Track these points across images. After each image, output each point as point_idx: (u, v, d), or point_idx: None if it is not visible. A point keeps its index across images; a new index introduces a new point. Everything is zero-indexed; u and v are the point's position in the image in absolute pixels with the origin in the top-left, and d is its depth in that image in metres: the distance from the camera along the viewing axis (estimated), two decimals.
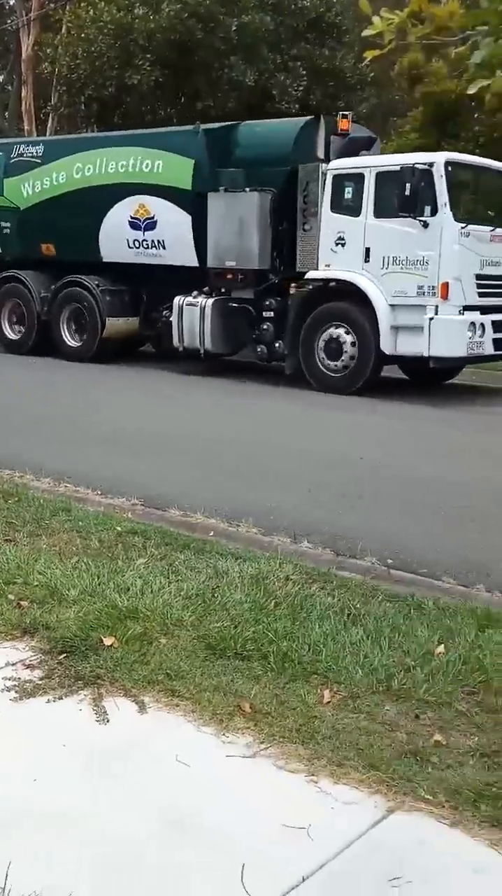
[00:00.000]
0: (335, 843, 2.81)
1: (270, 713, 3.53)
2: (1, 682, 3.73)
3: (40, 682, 3.74)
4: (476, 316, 11.62)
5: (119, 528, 5.72)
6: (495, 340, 11.89)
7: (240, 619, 4.31)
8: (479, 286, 11.75)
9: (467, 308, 11.54)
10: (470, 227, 11.57)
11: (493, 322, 11.83)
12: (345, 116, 13.11)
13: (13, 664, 3.89)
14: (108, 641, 4.04)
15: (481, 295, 11.79)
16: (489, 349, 11.88)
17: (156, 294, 14.40)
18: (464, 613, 4.44)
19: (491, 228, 12.13)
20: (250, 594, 4.62)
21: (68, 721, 3.47)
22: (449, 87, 18.13)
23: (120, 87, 19.05)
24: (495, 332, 11.85)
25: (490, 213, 12.58)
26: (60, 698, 3.65)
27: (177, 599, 4.52)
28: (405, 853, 2.78)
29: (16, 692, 3.67)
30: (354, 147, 13.03)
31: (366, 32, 2.91)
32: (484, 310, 11.80)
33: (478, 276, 11.75)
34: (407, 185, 11.03)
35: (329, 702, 3.62)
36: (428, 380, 13.48)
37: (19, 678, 3.77)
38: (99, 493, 6.77)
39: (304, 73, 18.95)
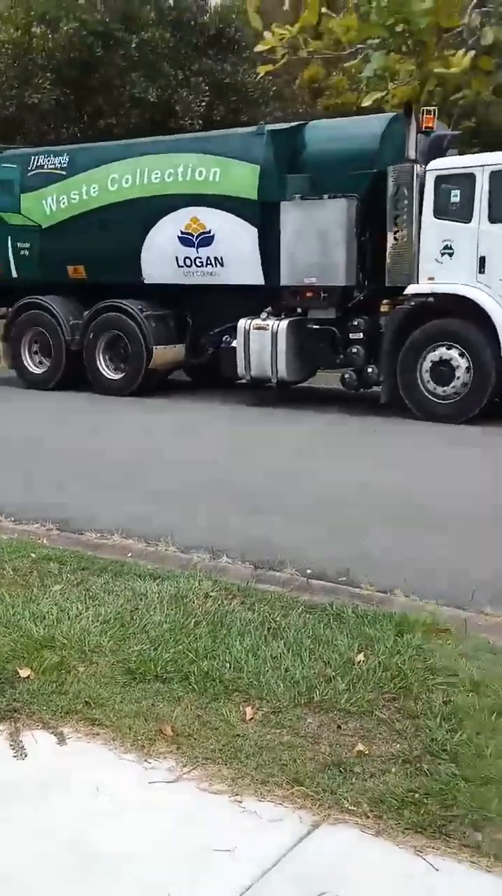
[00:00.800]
0: (261, 863, 2.78)
1: (192, 735, 3.49)
2: None
3: None
4: None
5: (34, 555, 5.59)
6: None
7: (160, 640, 4.26)
8: None
9: None
10: None
11: None
12: (429, 112, 11.21)
13: None
14: (24, 673, 3.94)
15: None
16: None
17: (204, 317, 12.97)
18: (383, 619, 4.47)
19: None
20: (169, 615, 4.58)
21: None
22: (350, 100, 18.40)
23: (20, 106, 18.78)
24: None
25: None
26: None
27: (95, 625, 4.44)
28: (331, 867, 2.77)
29: None
30: (440, 145, 11.49)
31: (259, 48, 2.93)
32: None
33: None
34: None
35: (252, 718, 3.59)
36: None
37: None
38: (12, 519, 6.61)
39: (207, 88, 18.99)
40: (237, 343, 12.09)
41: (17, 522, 6.53)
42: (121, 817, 3.02)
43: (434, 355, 10.82)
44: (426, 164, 10.94)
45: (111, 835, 2.91)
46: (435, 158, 11.08)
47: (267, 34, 2.86)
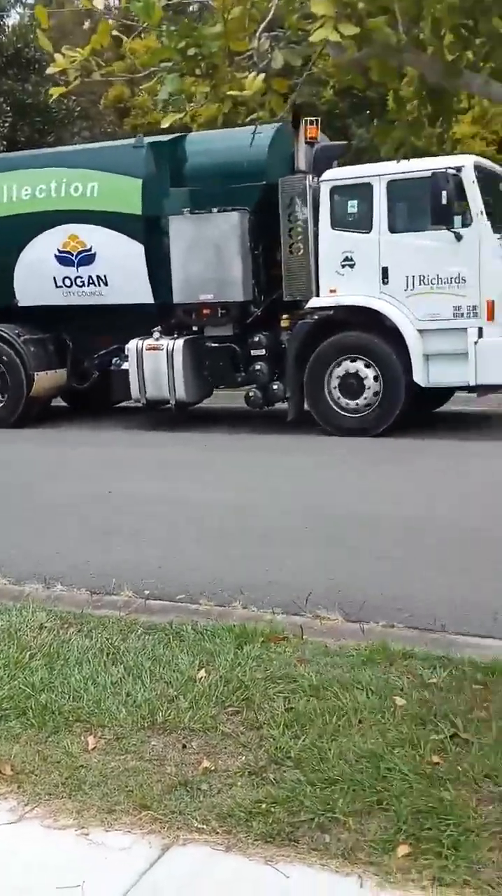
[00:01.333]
0: (111, 894, 2.72)
1: (34, 771, 3.38)
2: None
3: None
4: None
5: None
6: None
7: None
8: None
9: None
10: (500, 236, 10.27)
11: None
12: (313, 123, 11.21)
13: None
14: None
15: None
16: None
17: (87, 339, 12.43)
18: (222, 633, 4.49)
19: None
20: (2, 650, 4.43)
21: None
22: (157, 118, 18.54)
23: None
24: None
25: None
26: None
27: None
28: (183, 888, 2.74)
29: None
30: (328, 156, 11.42)
31: (50, 70, 2.89)
32: None
33: None
34: (442, 193, 9.56)
35: (94, 748, 3.52)
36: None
37: None
38: None
39: (9, 109, 18.64)
40: (129, 365, 11.67)
41: None
42: None
43: (341, 369, 10.70)
44: (315, 175, 10.88)
45: None
46: (323, 170, 11.01)
47: (58, 56, 2.83)
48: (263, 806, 3.07)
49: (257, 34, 2.87)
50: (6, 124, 18.35)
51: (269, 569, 5.78)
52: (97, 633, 4.65)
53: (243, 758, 3.40)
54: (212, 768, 3.33)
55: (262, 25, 2.88)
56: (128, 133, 17.51)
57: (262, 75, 2.80)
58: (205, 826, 3.00)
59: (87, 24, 3.33)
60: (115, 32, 2.86)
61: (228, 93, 2.87)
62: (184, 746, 3.50)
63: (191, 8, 3.04)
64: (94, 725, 3.68)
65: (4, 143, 17.98)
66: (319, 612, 4.92)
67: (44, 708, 3.80)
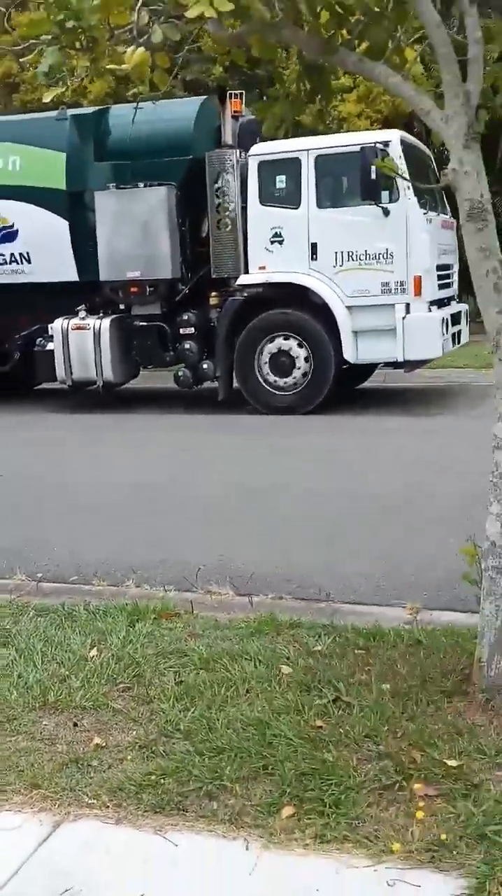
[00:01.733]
0: (2, 873, 2.66)
1: None
2: None
3: None
4: (444, 312, 10.52)
5: None
6: (452, 336, 10.82)
7: None
8: (439, 278, 10.61)
9: (432, 304, 10.36)
10: (427, 213, 10.34)
11: (451, 316, 10.78)
12: (236, 96, 10.91)
13: None
14: None
15: (439, 287, 10.66)
16: (448, 346, 10.69)
17: (7, 319, 11.92)
18: (115, 612, 4.48)
19: (442, 214, 11.06)
20: None
21: None
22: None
23: None
24: (452, 326, 10.76)
25: (434, 196, 11.07)
26: None
27: None
28: (74, 863, 2.73)
29: None
30: (254, 130, 10.83)
31: None
32: (439, 303, 10.72)
33: (438, 268, 10.58)
34: (370, 168, 9.20)
35: None
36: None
37: None
38: None
39: None
40: (54, 345, 11.30)
41: None
42: None
43: (271, 346, 10.57)
44: (242, 150, 10.70)
45: None
46: (249, 144, 10.79)
47: None
48: (153, 778, 3.09)
49: (136, 8, 2.82)
50: None
51: (163, 547, 5.74)
52: None
53: (134, 732, 3.40)
54: (103, 744, 3.32)
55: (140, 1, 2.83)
56: (19, 110, 16.95)
57: (141, 49, 2.74)
58: (95, 801, 3.00)
59: None
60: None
61: (108, 67, 2.81)
62: (75, 725, 3.47)
63: None
64: None
65: None
66: (210, 588, 4.92)
67: None
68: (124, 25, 2.83)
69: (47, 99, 3.04)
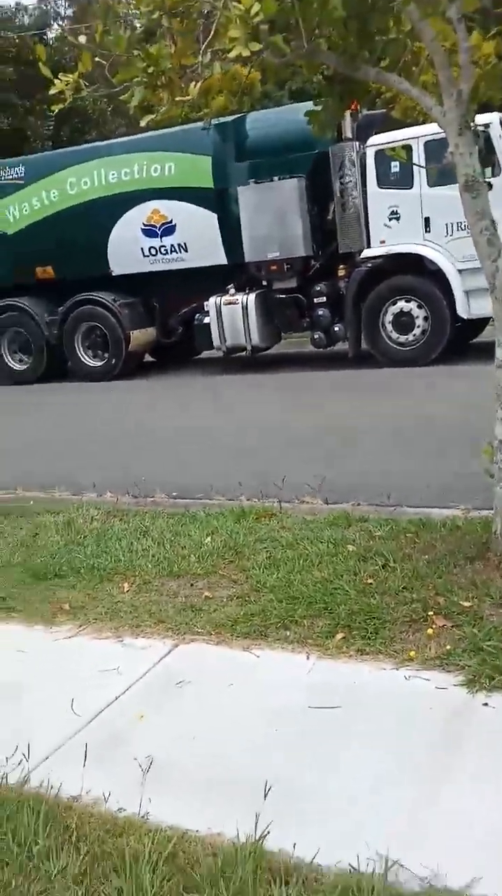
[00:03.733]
0: (138, 672, 3.48)
1: (84, 607, 4.13)
2: None
3: None
4: None
5: None
6: None
7: (57, 552, 4.84)
8: None
9: None
10: None
11: None
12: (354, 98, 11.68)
13: None
14: None
15: None
16: None
17: (171, 300, 12.98)
18: (226, 514, 5.17)
19: None
20: (64, 535, 5.17)
21: None
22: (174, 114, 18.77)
23: None
24: None
25: None
26: None
27: (5, 550, 4.98)
28: (185, 667, 3.49)
29: None
30: (371, 123, 11.43)
31: (51, 91, 3.47)
32: None
33: None
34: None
35: (128, 590, 4.26)
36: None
37: None
38: None
39: (52, 113, 19.11)
40: (210, 318, 12.18)
41: None
42: (39, 662, 3.62)
43: (394, 308, 10.98)
44: (359, 142, 11.13)
45: (35, 669, 3.52)
46: (365, 137, 11.20)
47: (56, 81, 3.41)
48: (244, 615, 3.79)
49: (201, 52, 3.41)
50: (50, 127, 18.78)
51: (274, 471, 6.21)
52: (133, 520, 5.32)
53: (234, 589, 4.12)
54: (211, 596, 4.06)
55: (205, 44, 3.42)
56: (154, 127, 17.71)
57: (198, 84, 3.35)
58: (202, 630, 3.74)
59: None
60: (97, 59, 3.42)
61: (176, 98, 3.42)
62: (191, 585, 4.23)
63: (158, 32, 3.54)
64: (128, 576, 4.42)
65: (50, 142, 18.43)
66: (305, 499, 5.48)
67: (92, 567, 4.56)
68: (192, 65, 3.43)
69: (143, 124, 3.69)
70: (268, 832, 2.42)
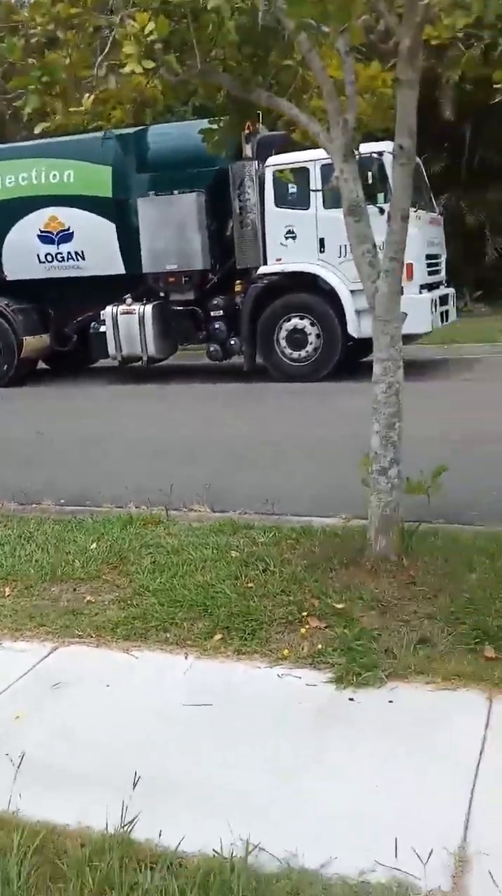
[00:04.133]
0: (14, 674, 3.48)
1: None
2: None
3: None
4: (433, 294, 11.21)
5: None
6: (440, 314, 11.49)
7: None
8: (428, 265, 11.25)
9: (422, 287, 10.95)
10: (418, 211, 10.53)
11: (440, 297, 11.50)
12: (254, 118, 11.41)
13: None
14: None
15: (429, 273, 11.33)
16: (438, 323, 11.39)
17: (66, 308, 12.98)
18: (113, 521, 5.22)
19: (430, 213, 11.69)
20: None
21: None
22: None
23: None
24: (440, 306, 11.47)
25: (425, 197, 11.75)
26: None
27: None
28: (64, 669, 3.54)
29: None
30: (271, 143, 11.60)
31: None
32: (429, 287, 11.35)
33: (428, 257, 11.22)
34: (368, 174, 9.46)
35: (9, 594, 4.25)
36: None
37: None
38: None
39: None
40: (106, 327, 12.24)
41: None
42: None
43: (288, 325, 11.27)
44: (259, 161, 11.39)
45: None
46: (264, 156, 11.46)
47: None
48: (126, 619, 3.86)
49: (97, 63, 3.51)
50: None
51: (161, 479, 6.31)
52: (18, 525, 5.30)
53: (116, 594, 4.19)
54: (93, 601, 4.12)
55: (100, 58, 3.52)
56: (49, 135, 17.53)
57: (92, 96, 3.45)
58: (83, 633, 3.80)
59: None
60: None
61: (70, 108, 3.51)
62: (74, 590, 4.28)
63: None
64: (9, 581, 4.41)
65: None
66: (193, 507, 5.59)
67: None
68: (87, 77, 3.53)
69: (37, 131, 3.76)
70: (137, 821, 2.50)
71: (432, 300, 11.08)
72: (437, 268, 11.90)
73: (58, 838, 2.51)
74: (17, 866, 2.37)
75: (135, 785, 2.63)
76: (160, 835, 2.45)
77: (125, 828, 2.48)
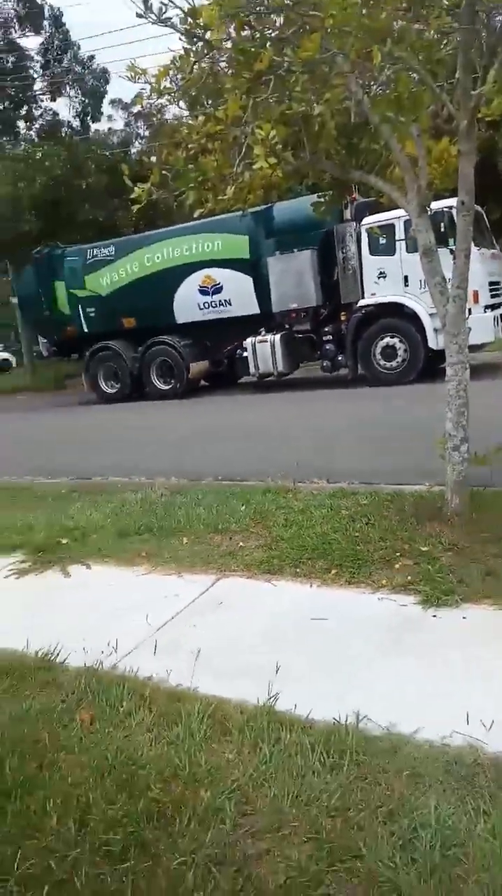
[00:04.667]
0: (191, 597, 3.68)
1: (157, 555, 4.35)
2: (6, 571, 4.37)
3: (27, 567, 4.40)
4: (495, 312, 10.89)
5: (63, 491, 6.32)
6: (501, 328, 11.12)
7: (136, 518, 5.08)
8: (490, 291, 10.96)
9: (486, 307, 10.72)
10: (481, 249, 10.47)
11: (500, 315, 11.08)
12: (352, 191, 11.57)
13: (11, 563, 4.52)
14: (64, 541, 4.73)
15: (491, 297, 10.99)
16: (499, 334, 11.08)
17: (217, 341, 13.23)
18: (257, 490, 5.35)
19: (491, 249, 11.46)
20: (141, 506, 5.40)
21: (50, 580, 4.17)
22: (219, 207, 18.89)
23: (14, 232, 19.07)
24: (501, 322, 11.07)
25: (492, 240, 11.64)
26: (42, 572, 4.32)
27: (99, 517, 5.23)
28: (225, 594, 3.69)
29: (15, 575, 4.32)
30: (366, 207, 11.78)
31: (132, 196, 3.73)
32: (492, 307, 10.98)
33: (489, 284, 10.92)
34: (440, 225, 9.47)
35: (187, 543, 4.46)
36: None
37: (16, 568, 4.41)
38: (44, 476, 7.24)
39: (133, 209, 19.46)
40: (247, 353, 12.56)
41: (48, 477, 7.19)
42: (125, 592, 3.86)
43: (382, 342, 11.29)
44: (358, 221, 11.48)
45: (121, 595, 3.76)
46: (361, 218, 11.53)
47: (136, 188, 3.68)
48: (267, 558, 3.97)
49: (236, 163, 3.64)
50: (132, 219, 19.24)
51: (288, 460, 6.38)
52: (192, 494, 5.54)
53: (261, 541, 4.31)
54: (244, 546, 4.25)
55: (239, 159, 3.64)
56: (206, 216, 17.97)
57: (234, 187, 3.57)
58: (237, 568, 3.95)
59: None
60: (163, 172, 3.67)
61: (218, 198, 3.65)
62: (230, 538, 4.41)
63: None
64: (187, 533, 4.61)
65: (132, 229, 18.87)
66: (313, 480, 5.65)
67: (161, 528, 4.78)
68: (230, 173, 3.66)
69: (196, 215, 3.93)
70: (278, 698, 2.62)
71: (494, 317, 10.73)
72: (498, 292, 11.43)
73: (224, 708, 2.66)
74: (197, 724, 2.55)
75: (276, 672, 2.75)
76: (295, 707, 2.55)
77: (270, 701, 2.61)
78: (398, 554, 3.74)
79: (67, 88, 23.97)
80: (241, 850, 1.97)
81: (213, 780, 2.24)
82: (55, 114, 25.10)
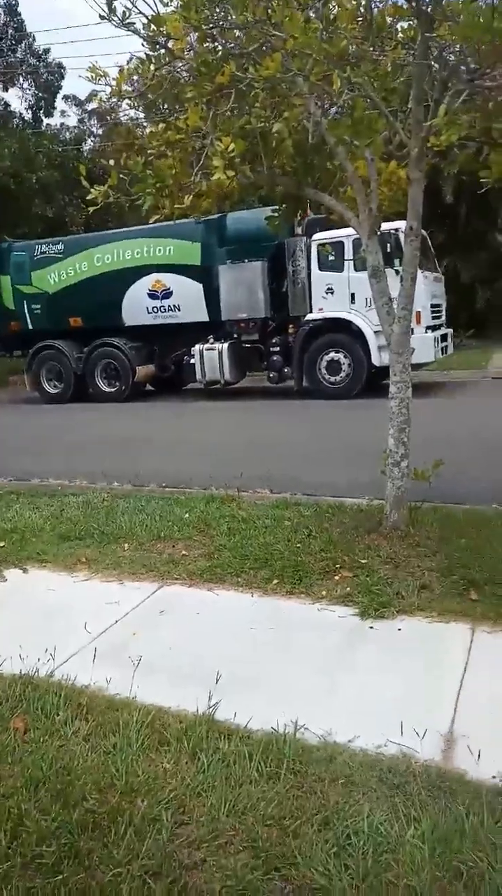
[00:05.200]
0: (132, 604, 3.64)
1: (97, 560, 4.29)
2: None
3: None
4: (436, 333, 11.30)
5: (0, 492, 6.13)
6: (441, 348, 11.61)
7: (78, 522, 4.99)
8: (432, 312, 11.35)
9: (428, 328, 11.05)
10: (425, 272, 10.70)
11: (441, 336, 11.59)
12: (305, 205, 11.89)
13: None
14: (0, 544, 4.59)
15: (433, 318, 11.39)
16: (439, 354, 11.52)
17: (165, 346, 13.28)
18: (200, 499, 5.35)
19: (434, 272, 11.88)
20: (83, 510, 5.30)
21: None
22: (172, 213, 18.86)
23: None
24: (441, 342, 11.58)
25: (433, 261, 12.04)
26: None
27: (39, 520, 5.11)
28: (167, 601, 3.67)
29: None
30: (316, 223, 11.84)
31: (88, 197, 3.69)
32: (433, 328, 11.39)
33: (432, 306, 11.33)
34: (387, 245, 9.74)
35: (128, 549, 4.42)
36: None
37: None
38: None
39: (86, 210, 19.14)
40: (195, 360, 12.56)
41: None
42: (63, 596, 3.78)
43: (327, 357, 11.45)
44: (307, 237, 11.65)
45: (60, 601, 3.68)
46: (312, 233, 11.67)
47: (92, 189, 3.65)
48: (209, 568, 3.98)
49: (194, 172, 3.66)
50: (83, 217, 18.96)
51: (234, 471, 6.45)
52: (134, 500, 5.48)
53: (202, 549, 4.30)
54: (187, 554, 4.24)
55: (197, 168, 3.66)
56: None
57: (191, 195, 3.59)
58: (179, 577, 3.93)
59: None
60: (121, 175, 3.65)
61: (175, 205, 3.67)
62: (174, 546, 4.39)
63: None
64: (128, 539, 4.56)
65: (82, 228, 18.58)
66: (256, 490, 5.69)
67: (103, 533, 4.71)
68: (188, 182, 3.68)
69: (151, 222, 3.92)
70: (218, 707, 2.63)
71: (435, 338, 11.15)
72: (439, 314, 11.95)
73: (163, 717, 2.65)
74: (135, 734, 2.53)
75: (217, 681, 2.77)
76: (234, 716, 2.57)
77: (210, 710, 2.62)
78: (338, 566, 3.81)
79: (21, 80, 23.43)
80: (178, 860, 1.96)
81: (150, 790, 2.23)
82: (6, 104, 24.48)
